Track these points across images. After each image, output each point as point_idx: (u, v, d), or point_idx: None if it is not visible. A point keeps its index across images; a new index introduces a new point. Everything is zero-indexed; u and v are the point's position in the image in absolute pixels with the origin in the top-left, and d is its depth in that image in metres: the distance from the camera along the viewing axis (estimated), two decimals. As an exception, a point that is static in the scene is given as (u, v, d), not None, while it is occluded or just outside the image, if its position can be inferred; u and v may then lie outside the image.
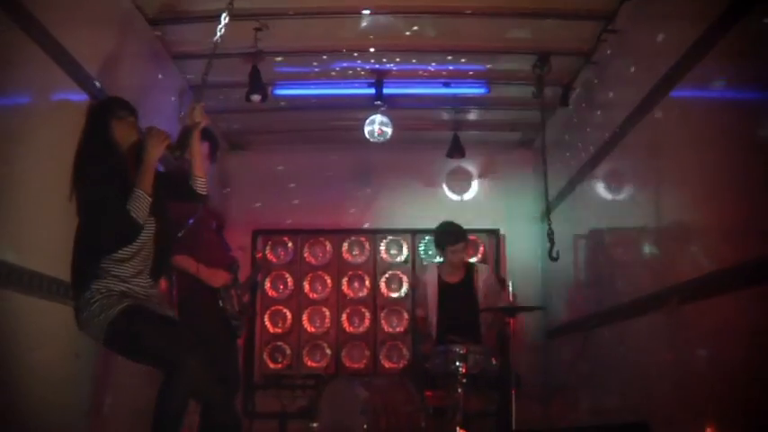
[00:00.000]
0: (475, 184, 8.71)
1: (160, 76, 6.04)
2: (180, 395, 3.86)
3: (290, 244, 8.68)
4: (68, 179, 4.10)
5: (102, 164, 4.02)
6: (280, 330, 8.48)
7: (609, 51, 5.66)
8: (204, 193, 4.43)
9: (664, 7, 4.64)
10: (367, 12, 5.58)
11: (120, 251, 3.99)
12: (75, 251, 3.98)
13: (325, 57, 6.37)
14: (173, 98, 6.39)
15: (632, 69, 5.20)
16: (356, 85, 6.87)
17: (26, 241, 3.73)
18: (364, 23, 5.74)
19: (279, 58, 6.31)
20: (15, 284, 3.57)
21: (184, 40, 5.95)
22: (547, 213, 6.83)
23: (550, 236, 6.58)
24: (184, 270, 5.42)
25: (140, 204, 3.98)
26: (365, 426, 5.95)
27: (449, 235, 6.74)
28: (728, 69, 3.74)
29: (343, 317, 8.57)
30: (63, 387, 4.11)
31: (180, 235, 5.21)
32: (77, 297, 3.91)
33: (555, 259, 6.64)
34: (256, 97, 6.08)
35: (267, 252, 8.60)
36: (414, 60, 6.46)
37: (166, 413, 3.81)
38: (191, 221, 5.49)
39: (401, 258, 8.64)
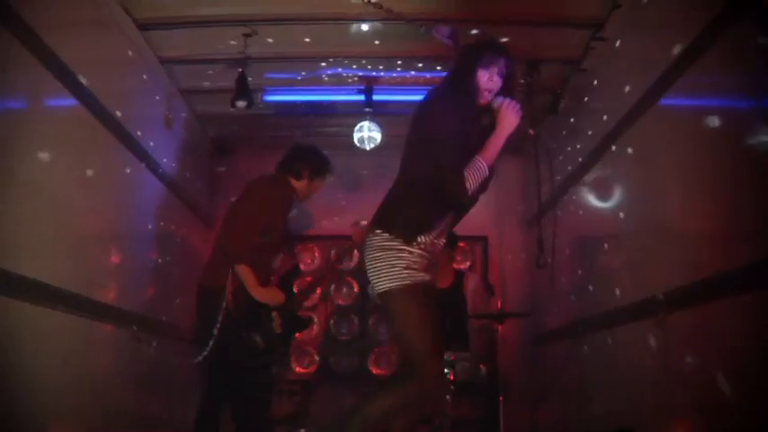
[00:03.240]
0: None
1: (149, 80, 6.03)
2: None
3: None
4: (58, 182, 4.09)
5: (458, 110, 3.90)
6: (268, 336, 8.46)
7: (598, 59, 5.68)
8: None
9: (652, 16, 4.66)
10: (357, 18, 5.58)
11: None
12: (411, 192, 3.97)
13: (314, 63, 6.37)
14: (161, 103, 6.38)
15: (621, 77, 5.21)
16: (345, 91, 6.87)
17: (14, 246, 3.71)
18: (354, 30, 5.74)
19: (267, 64, 6.31)
20: (3, 289, 3.55)
21: (173, 46, 5.94)
22: (538, 220, 6.84)
23: (540, 243, 6.58)
24: (242, 279, 5.44)
25: (478, 176, 3.87)
26: (353, 432, 5.94)
27: None
28: (716, 78, 3.76)
29: (332, 323, 8.57)
30: (51, 393, 4.08)
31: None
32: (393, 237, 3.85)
33: (541, 266, 6.64)
34: (242, 103, 6.01)
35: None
36: (403, 67, 6.46)
37: None
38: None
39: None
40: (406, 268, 3.81)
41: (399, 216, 3.92)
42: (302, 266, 6.58)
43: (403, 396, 3.84)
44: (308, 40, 5.86)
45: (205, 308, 5.50)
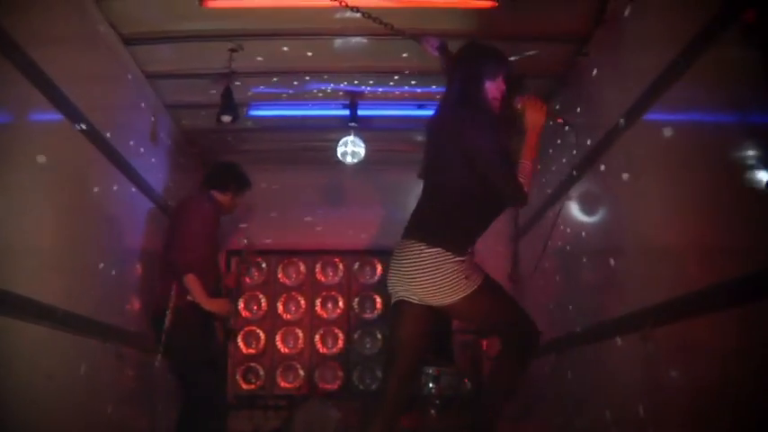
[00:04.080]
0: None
1: (134, 95, 6.02)
2: None
3: (263, 264, 8.67)
4: (43, 196, 4.07)
5: (488, 127, 4.10)
6: (253, 351, 8.45)
7: (582, 74, 5.71)
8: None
9: (637, 31, 4.68)
10: (342, 33, 5.59)
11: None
12: (458, 207, 4.16)
13: (299, 78, 6.38)
14: (147, 117, 6.37)
15: (605, 92, 5.24)
16: (330, 106, 6.88)
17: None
18: (339, 45, 5.75)
19: (253, 79, 6.31)
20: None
21: (158, 60, 5.94)
22: (516, 235, 6.86)
23: (515, 258, 6.62)
24: (190, 291, 5.58)
25: (530, 177, 4.09)
26: (338, 447, 5.94)
27: None
28: (701, 92, 3.78)
29: (317, 338, 8.56)
30: (35, 410, 4.05)
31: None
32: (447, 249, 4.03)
33: (514, 281, 6.69)
34: (227, 118, 6.02)
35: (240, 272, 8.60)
36: (388, 82, 6.48)
37: None
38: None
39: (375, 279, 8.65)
40: (467, 278, 4.03)
41: (451, 230, 4.11)
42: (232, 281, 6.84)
43: (522, 356, 4.40)
44: (293, 55, 5.87)
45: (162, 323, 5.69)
